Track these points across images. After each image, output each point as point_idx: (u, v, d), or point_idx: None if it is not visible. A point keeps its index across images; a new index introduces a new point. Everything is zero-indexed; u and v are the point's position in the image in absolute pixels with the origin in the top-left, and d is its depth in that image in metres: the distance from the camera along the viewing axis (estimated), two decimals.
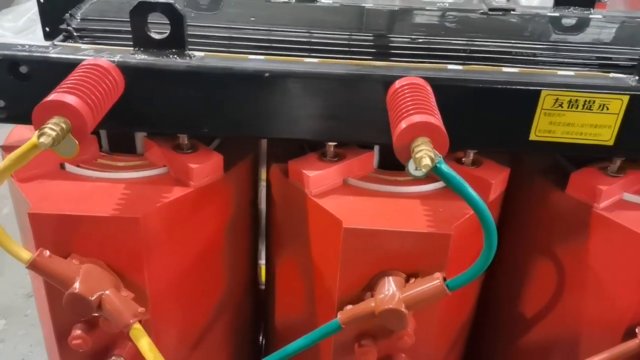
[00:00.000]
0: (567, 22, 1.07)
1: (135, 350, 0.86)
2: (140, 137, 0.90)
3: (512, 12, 1.09)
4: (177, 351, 0.95)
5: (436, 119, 0.68)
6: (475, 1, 1.21)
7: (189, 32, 0.83)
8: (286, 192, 0.90)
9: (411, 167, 0.68)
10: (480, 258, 0.70)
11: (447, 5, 1.12)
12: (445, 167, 0.65)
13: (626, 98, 0.78)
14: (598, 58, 0.90)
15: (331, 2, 1.09)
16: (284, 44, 0.88)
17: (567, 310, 0.93)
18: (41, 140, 0.62)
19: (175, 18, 0.77)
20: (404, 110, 0.70)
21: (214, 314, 0.99)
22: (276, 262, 1.00)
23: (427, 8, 1.08)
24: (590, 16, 1.09)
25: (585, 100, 0.79)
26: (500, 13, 1.09)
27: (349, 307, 0.82)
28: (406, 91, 0.74)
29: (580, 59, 0.89)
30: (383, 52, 0.88)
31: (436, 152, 0.65)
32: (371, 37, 0.90)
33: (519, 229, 1.01)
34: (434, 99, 0.75)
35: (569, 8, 1.11)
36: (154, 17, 0.78)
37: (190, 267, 0.89)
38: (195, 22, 0.91)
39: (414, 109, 0.69)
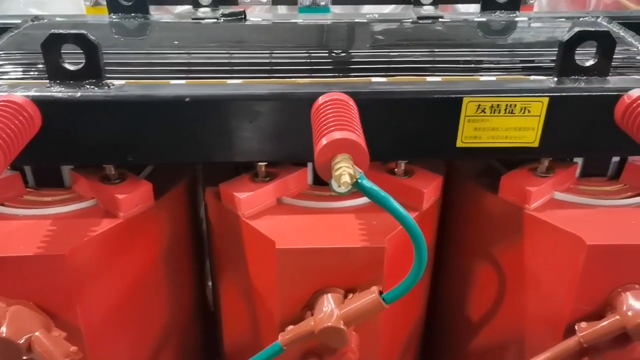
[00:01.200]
0: (493, 26, 1.09)
1: None
2: (66, 170, 0.87)
3: (440, 19, 1.11)
4: None
5: (356, 135, 0.68)
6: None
7: (109, 61, 0.82)
8: (221, 215, 0.89)
9: (334, 184, 0.67)
10: (412, 270, 0.70)
11: (377, 16, 1.13)
12: (366, 183, 0.65)
13: (546, 100, 0.80)
14: (521, 61, 0.91)
15: (260, 19, 1.09)
16: (206, 66, 0.87)
17: (510, 311, 0.94)
18: None
19: (89, 48, 0.76)
20: (324, 127, 0.69)
21: (158, 342, 0.97)
22: (220, 285, 0.98)
23: (355, 21, 1.09)
24: (516, 19, 1.11)
25: (507, 105, 0.80)
26: (429, 21, 1.10)
27: (290, 327, 0.81)
28: (328, 107, 0.74)
29: (503, 63, 0.90)
30: (307, 68, 0.88)
31: (356, 168, 0.65)
32: (295, 54, 0.90)
33: (459, 233, 1.01)
34: (356, 114, 0.75)
35: (495, 12, 1.13)
36: (70, 47, 0.77)
37: (127, 299, 0.87)
38: (119, 49, 0.89)
39: (334, 126, 0.69)
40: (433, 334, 1.14)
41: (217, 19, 1.09)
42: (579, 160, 0.92)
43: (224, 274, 0.96)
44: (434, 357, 1.16)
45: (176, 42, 0.92)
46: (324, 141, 0.66)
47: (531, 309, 0.91)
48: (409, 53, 0.92)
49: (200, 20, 1.08)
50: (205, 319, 1.16)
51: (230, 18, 1.08)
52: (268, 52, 0.90)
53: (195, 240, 1.03)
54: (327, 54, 0.91)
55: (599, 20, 1.09)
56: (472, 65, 0.89)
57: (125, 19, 1.09)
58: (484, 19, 1.11)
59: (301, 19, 1.11)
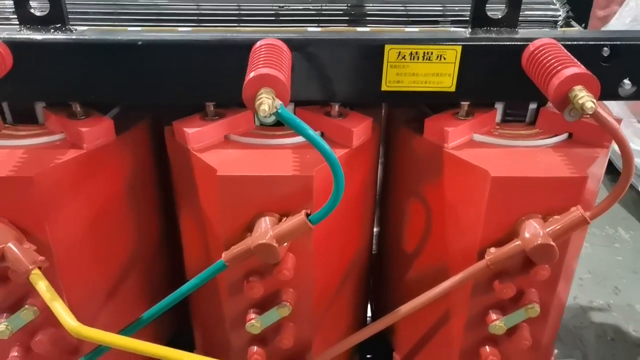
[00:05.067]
0: None
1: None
2: (39, 107, 0.99)
3: None
4: (89, 305, 1.04)
5: (279, 72, 0.78)
6: None
7: (74, 10, 0.92)
8: (176, 150, 1.00)
9: (260, 115, 0.78)
10: (332, 192, 0.81)
11: None
12: (285, 112, 0.76)
13: (459, 48, 0.90)
14: (449, 15, 1.01)
15: None
16: (164, 15, 0.97)
17: (435, 242, 1.05)
18: None
19: None
20: (254, 65, 0.80)
21: (125, 266, 1.09)
22: (180, 214, 1.09)
23: None
24: None
25: (425, 52, 0.90)
26: None
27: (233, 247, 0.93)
28: (262, 50, 0.84)
29: (430, 17, 1.00)
30: (252, 19, 0.99)
31: (277, 100, 0.76)
32: (231, 7, 1.00)
33: (395, 175, 1.12)
34: (288, 58, 0.85)
35: None
36: None
37: (93, 224, 0.98)
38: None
39: (263, 64, 0.80)
40: (382, 261, 1.25)
41: None
42: (498, 106, 1.02)
43: (182, 204, 1.07)
44: (381, 289, 1.28)
45: None
46: (250, 75, 0.77)
47: (451, 239, 1.02)
48: (343, 7, 1.01)
49: None
50: (174, 248, 1.27)
51: None
52: (230, 3, 1.00)
53: (160, 177, 1.14)
54: (270, 7, 1.00)
55: None
56: (399, 18, 0.98)
57: None
58: None
59: None
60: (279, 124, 1.00)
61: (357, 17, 0.99)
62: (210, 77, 0.91)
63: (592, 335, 1.76)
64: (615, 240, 2.22)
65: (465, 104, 0.98)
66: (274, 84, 0.77)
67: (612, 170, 1.32)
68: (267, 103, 0.74)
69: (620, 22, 2.52)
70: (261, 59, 0.81)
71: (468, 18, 0.96)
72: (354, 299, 1.21)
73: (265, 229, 0.89)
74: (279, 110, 0.76)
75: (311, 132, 0.77)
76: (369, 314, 1.40)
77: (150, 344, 0.86)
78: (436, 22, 1.01)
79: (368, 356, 1.37)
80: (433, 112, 1.03)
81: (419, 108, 1.06)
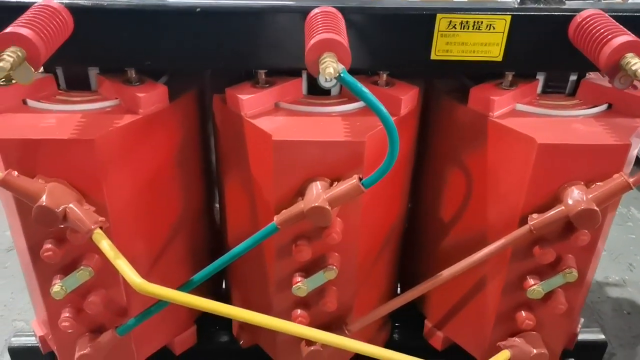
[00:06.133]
0: None
1: (100, 261, 1.00)
2: (93, 74, 1.01)
3: None
4: (138, 266, 1.07)
5: (340, 37, 0.80)
6: None
7: None
8: (226, 117, 1.02)
9: (321, 79, 0.81)
10: (387, 156, 0.84)
11: None
12: (347, 76, 0.78)
13: (509, 18, 0.92)
14: None
15: None
16: None
17: (475, 209, 1.08)
18: (0, 64, 0.73)
19: None
20: (314, 31, 0.82)
21: (170, 233, 1.12)
22: (224, 182, 1.12)
23: None
24: None
25: (475, 21, 0.92)
26: None
27: (284, 211, 0.95)
28: (319, 17, 0.86)
29: None
30: None
31: (340, 64, 0.78)
32: None
33: (435, 144, 1.15)
34: (343, 24, 0.88)
35: None
36: None
37: (145, 187, 1.01)
38: None
39: (323, 30, 0.82)
40: (413, 236, 1.28)
41: None
42: (540, 77, 1.04)
43: (227, 171, 1.10)
44: (413, 256, 1.31)
45: None
46: (313, 40, 0.79)
47: (492, 206, 1.05)
48: None
49: None
50: (211, 218, 1.30)
51: None
52: None
53: (203, 145, 1.16)
54: None
55: None
56: None
57: None
58: None
59: None
60: (326, 92, 1.04)
61: None
62: (264, 43, 0.93)
63: (608, 309, 1.80)
64: (629, 219, 2.25)
65: (509, 74, 1.00)
66: (337, 48, 0.79)
67: None
68: (332, 66, 0.76)
69: None
70: (320, 25, 0.83)
71: None
72: (390, 267, 1.24)
73: (318, 193, 0.92)
74: (342, 74, 0.78)
75: (371, 96, 0.79)
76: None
77: (210, 301, 0.90)
78: None
79: (396, 324, 1.40)
80: (472, 82, 1.06)
81: (459, 79, 1.09)
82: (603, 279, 1.94)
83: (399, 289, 1.41)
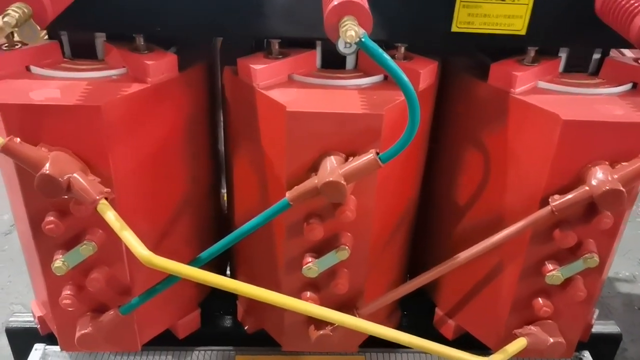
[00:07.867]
0: None
1: (104, 236, 0.96)
2: (100, 41, 0.97)
3: None
4: (143, 241, 1.04)
5: (361, 0, 0.77)
6: None
7: None
8: (237, 88, 0.98)
9: (341, 44, 0.77)
10: (407, 127, 0.80)
11: None
12: (368, 41, 0.74)
13: None
14: None
15: None
16: None
17: (494, 189, 1.04)
18: (5, 20, 0.70)
19: None
20: None
21: (176, 210, 1.08)
22: (233, 155, 1.08)
23: None
24: None
25: None
26: None
27: (296, 187, 0.92)
28: None
29: None
30: None
31: (361, 28, 0.75)
32: None
33: (452, 122, 1.11)
34: None
35: None
36: None
37: (152, 158, 0.97)
38: None
39: None
40: (426, 217, 1.24)
41: None
42: (562, 55, 1.01)
43: (237, 146, 1.06)
44: (424, 244, 1.27)
45: None
46: (334, 2, 0.76)
47: (512, 186, 1.01)
48: None
49: None
50: (217, 199, 1.27)
51: None
52: None
53: (211, 120, 1.13)
54: None
55: None
56: None
57: None
58: None
59: None
60: (341, 66, 1.00)
61: None
62: (278, 11, 0.89)
63: (619, 304, 1.77)
64: (638, 215, 2.22)
65: (532, 49, 0.97)
66: (358, 12, 0.76)
67: None
68: (353, 29, 0.73)
69: None
70: None
71: None
72: (401, 251, 1.21)
73: (333, 168, 0.88)
74: (363, 39, 0.74)
75: (392, 62, 0.75)
76: None
77: (217, 275, 0.86)
78: None
79: (405, 312, 1.37)
80: (490, 59, 1.02)
81: (476, 57, 1.05)
82: (613, 274, 1.91)
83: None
